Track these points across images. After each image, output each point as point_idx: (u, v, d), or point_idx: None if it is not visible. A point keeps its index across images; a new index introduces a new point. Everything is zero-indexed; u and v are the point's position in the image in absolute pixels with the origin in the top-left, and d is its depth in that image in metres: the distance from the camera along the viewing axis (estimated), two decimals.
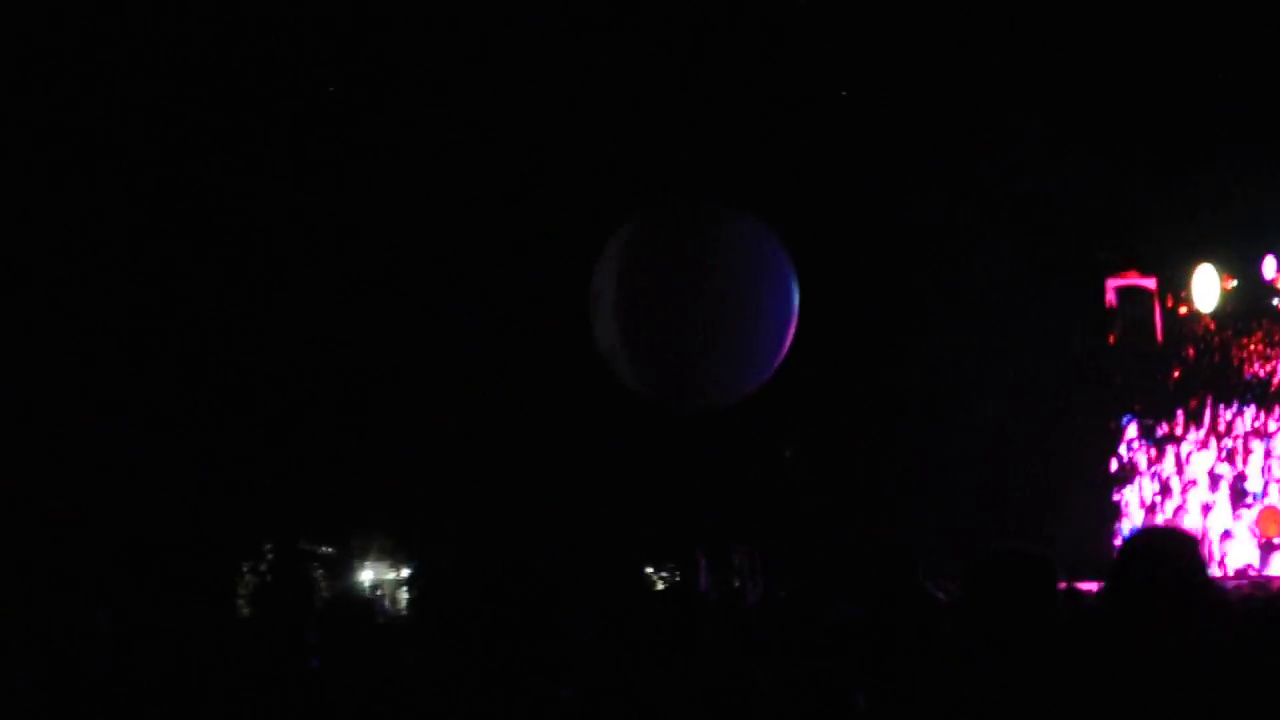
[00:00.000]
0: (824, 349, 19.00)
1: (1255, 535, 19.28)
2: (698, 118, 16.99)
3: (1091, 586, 13.87)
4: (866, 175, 18.40)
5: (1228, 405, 20.02)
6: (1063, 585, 4.54)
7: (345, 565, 18.85)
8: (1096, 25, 16.85)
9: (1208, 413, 20.29)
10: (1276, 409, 19.58)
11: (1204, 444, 20.37)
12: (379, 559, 19.89)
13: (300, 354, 17.79)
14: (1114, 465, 21.25)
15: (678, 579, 19.10)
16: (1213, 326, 20.36)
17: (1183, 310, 20.55)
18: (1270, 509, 19.45)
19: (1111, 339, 20.97)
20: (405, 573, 19.87)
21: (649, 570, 19.80)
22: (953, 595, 5.23)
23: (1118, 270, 20.67)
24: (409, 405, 18.26)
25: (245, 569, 16.83)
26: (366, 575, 19.43)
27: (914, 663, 4.32)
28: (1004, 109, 17.81)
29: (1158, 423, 20.87)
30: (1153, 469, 20.86)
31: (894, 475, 19.48)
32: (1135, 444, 21.18)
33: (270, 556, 17.60)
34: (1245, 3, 16.55)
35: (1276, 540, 19.19)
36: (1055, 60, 17.36)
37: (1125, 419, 21.25)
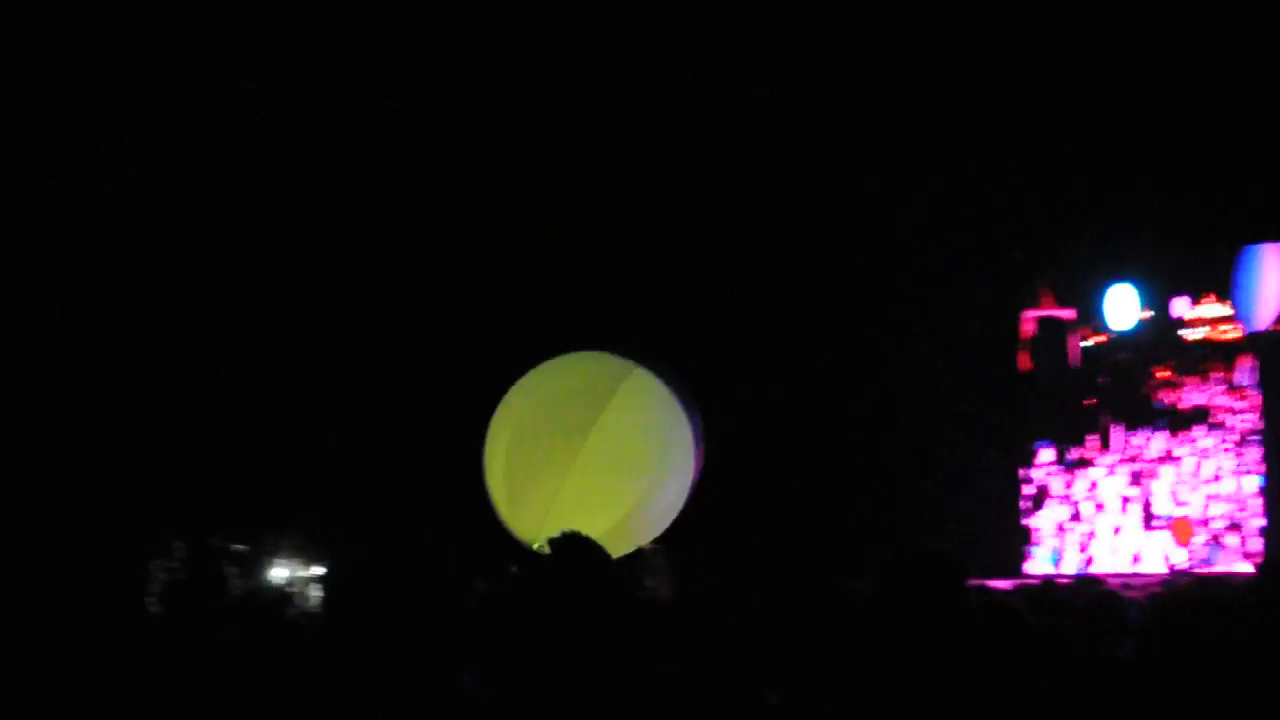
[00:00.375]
0: (743, 348, 19.10)
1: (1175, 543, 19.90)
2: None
3: (1004, 584, 14.06)
4: (787, 189, 18.55)
5: (1136, 430, 20.58)
6: (973, 583, 4.60)
7: (258, 562, 18.69)
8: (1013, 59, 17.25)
9: (1118, 439, 20.80)
10: (1183, 435, 20.17)
11: (1113, 469, 20.95)
12: (292, 556, 19.74)
13: (213, 349, 17.66)
14: (1027, 490, 21.71)
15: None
16: (1125, 356, 20.97)
17: (1096, 340, 21.11)
18: (1182, 519, 20.02)
19: (1028, 367, 21.42)
20: (318, 570, 19.73)
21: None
22: (864, 592, 5.26)
23: (1034, 301, 21.18)
24: (322, 401, 18.16)
25: (155, 566, 16.65)
26: (279, 573, 19.27)
27: (826, 659, 4.34)
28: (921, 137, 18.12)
29: (1070, 448, 21.35)
30: (1066, 493, 21.35)
31: (807, 480, 19.60)
32: (1049, 469, 21.64)
33: (180, 554, 17.42)
34: (1157, 38, 16.95)
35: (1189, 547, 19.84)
36: (976, 92, 17.70)
37: (1039, 444, 21.66)
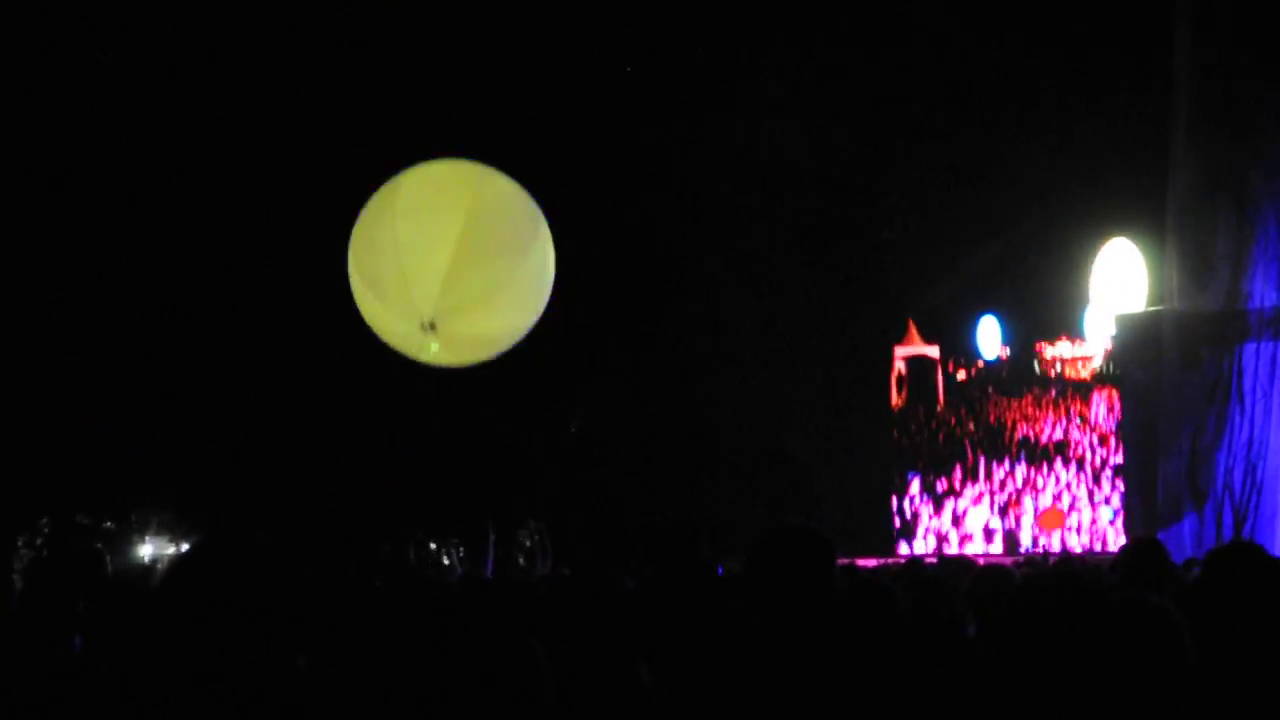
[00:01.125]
0: (615, 331, 19.20)
1: (1039, 531, 20.36)
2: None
3: (870, 563, 14.24)
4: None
5: (1000, 462, 21.14)
6: (842, 562, 4.68)
7: (124, 540, 18.47)
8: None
9: (982, 470, 21.37)
10: (1044, 466, 20.80)
11: (978, 499, 21.45)
12: (158, 533, 19.53)
13: (82, 329, 17.41)
14: (897, 520, 22.12)
15: (462, 555, 19.06)
16: (990, 390, 21.64)
17: (961, 376, 21.82)
18: (1051, 509, 20.53)
19: (897, 402, 22.06)
20: (185, 547, 19.52)
21: (433, 546, 19.73)
22: (736, 570, 5.33)
23: (902, 338, 21.87)
24: (190, 378, 17.97)
25: (20, 543, 16.41)
26: (146, 550, 19.06)
27: (698, 637, 4.39)
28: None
29: (937, 479, 21.84)
30: (931, 522, 21.80)
31: (676, 456, 19.74)
32: (917, 499, 22.08)
33: (46, 530, 17.19)
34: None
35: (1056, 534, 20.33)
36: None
37: (909, 475, 22.11)
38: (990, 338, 21.34)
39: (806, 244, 19.88)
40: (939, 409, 22.18)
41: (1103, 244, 19.75)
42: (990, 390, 22.13)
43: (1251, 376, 15.36)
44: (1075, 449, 21.05)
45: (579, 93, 18.29)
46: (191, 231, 17.71)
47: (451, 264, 8.10)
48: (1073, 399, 21.29)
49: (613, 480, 19.61)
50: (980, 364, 21.88)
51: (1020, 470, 21.33)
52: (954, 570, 8.19)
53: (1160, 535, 13.26)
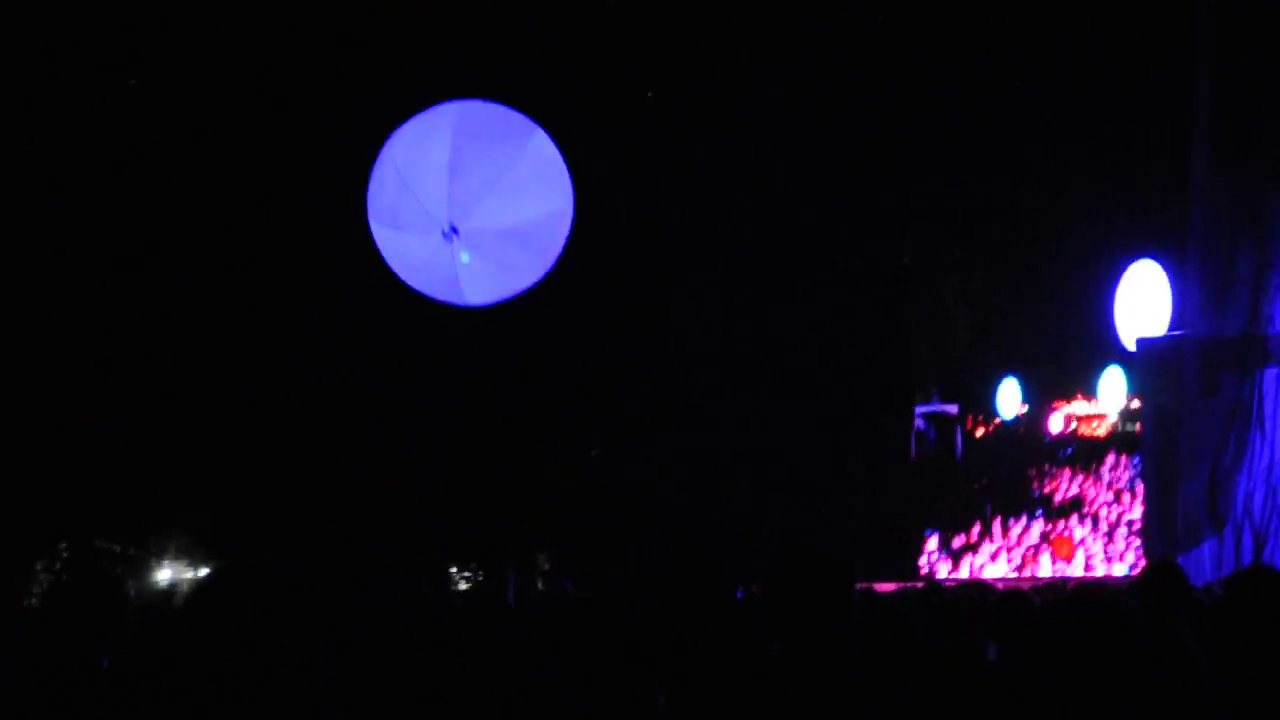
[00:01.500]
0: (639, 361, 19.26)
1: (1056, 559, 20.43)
2: None
3: (888, 587, 14.24)
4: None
5: (1016, 519, 21.21)
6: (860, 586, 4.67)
7: (144, 564, 18.51)
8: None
9: (998, 526, 21.46)
10: (1061, 523, 20.90)
11: (995, 556, 21.51)
12: (177, 558, 19.57)
13: (99, 353, 17.44)
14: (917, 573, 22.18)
15: (481, 580, 19.06)
16: (1005, 448, 21.78)
17: (979, 433, 21.96)
18: (1061, 536, 20.59)
19: (916, 458, 22.28)
20: (204, 571, 19.57)
21: (452, 570, 19.75)
22: (757, 595, 5.32)
23: (925, 397, 22.09)
24: (210, 407, 17.98)
25: (39, 567, 16.46)
26: (164, 574, 19.10)
27: (717, 661, 4.39)
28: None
29: (955, 534, 21.90)
30: (950, 576, 21.89)
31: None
32: (935, 555, 22.13)
33: (65, 555, 17.23)
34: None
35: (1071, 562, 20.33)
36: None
37: (927, 532, 22.16)
38: (1010, 399, 21.60)
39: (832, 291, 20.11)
40: (957, 465, 22.37)
41: (1127, 271, 19.84)
42: (1008, 447, 22.30)
43: (1272, 401, 15.33)
44: (1091, 505, 21.18)
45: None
46: (210, 254, 17.75)
47: (451, 156, 8.21)
48: (1088, 456, 21.45)
49: (630, 504, 19.62)
50: (998, 421, 22.08)
51: (1037, 526, 21.42)
52: (973, 595, 8.16)
53: (1179, 559, 13.22)
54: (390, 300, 17.00)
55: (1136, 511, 19.61)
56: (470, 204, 8.25)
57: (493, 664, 3.44)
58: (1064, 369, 21.70)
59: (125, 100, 17.09)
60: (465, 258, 8.29)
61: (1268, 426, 15.32)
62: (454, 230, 8.20)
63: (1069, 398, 21.57)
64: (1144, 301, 19.11)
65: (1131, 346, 18.21)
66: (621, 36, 18.05)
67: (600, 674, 4.36)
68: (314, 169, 16.13)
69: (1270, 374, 15.43)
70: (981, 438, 22.48)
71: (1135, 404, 19.95)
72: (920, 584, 12.90)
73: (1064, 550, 20.72)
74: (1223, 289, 15.64)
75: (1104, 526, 20.81)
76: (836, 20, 17.89)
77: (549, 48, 17.36)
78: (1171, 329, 17.48)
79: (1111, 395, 20.56)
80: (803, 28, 18.15)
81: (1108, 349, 20.52)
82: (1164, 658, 3.13)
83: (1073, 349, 21.26)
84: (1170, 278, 18.43)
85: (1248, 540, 15.22)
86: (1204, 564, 15.02)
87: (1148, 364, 17.11)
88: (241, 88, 17.23)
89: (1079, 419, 21.49)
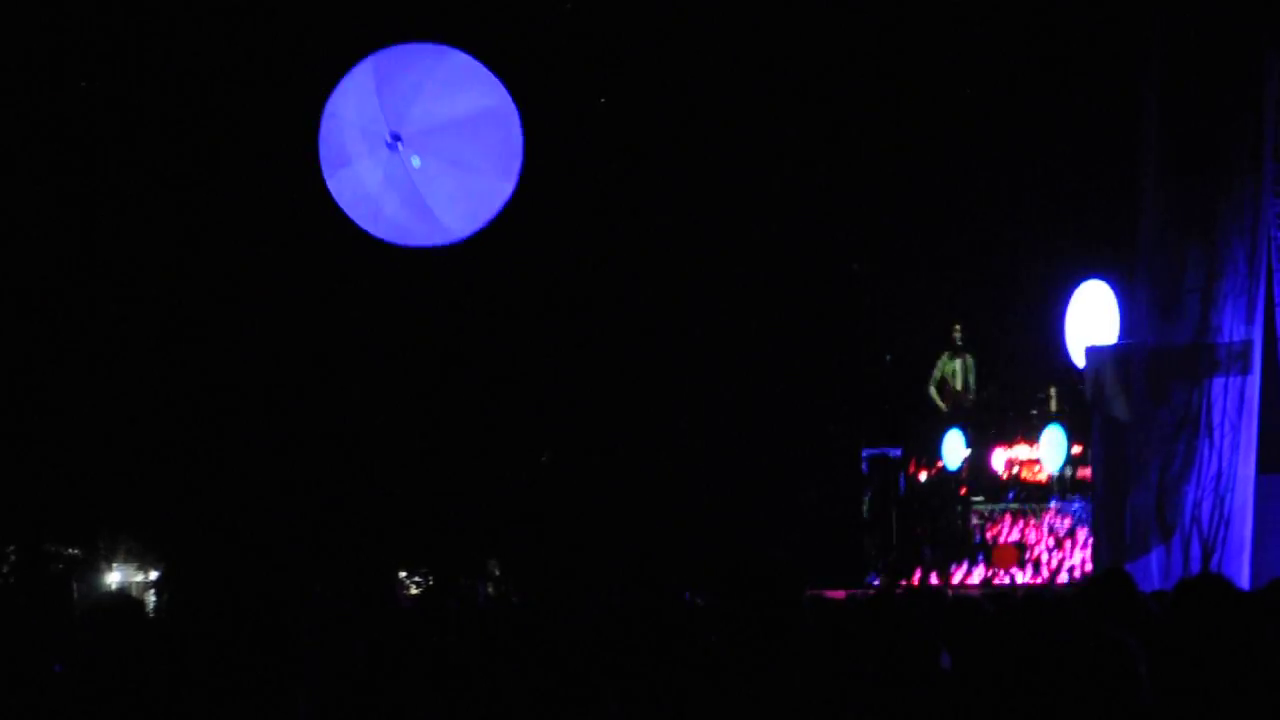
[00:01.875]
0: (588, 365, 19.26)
1: (995, 569, 20.55)
2: None
3: (838, 594, 14.28)
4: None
5: (958, 565, 21.32)
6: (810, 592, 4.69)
7: (92, 567, 18.39)
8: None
9: (939, 572, 21.58)
10: (1001, 571, 21.07)
11: None
12: (126, 561, 19.45)
13: (43, 353, 17.34)
14: None
15: (431, 586, 19.00)
16: (963, 492, 21.88)
17: (922, 476, 22.13)
18: (1006, 546, 20.66)
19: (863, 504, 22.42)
20: (153, 575, 19.46)
21: (402, 575, 19.70)
22: (706, 600, 5.34)
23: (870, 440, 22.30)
24: (157, 408, 17.89)
25: None
26: (113, 577, 18.98)
27: (668, 665, 4.39)
28: None
29: (897, 580, 21.95)
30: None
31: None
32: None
33: (12, 558, 17.11)
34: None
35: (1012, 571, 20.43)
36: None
37: (870, 577, 22.20)
38: (955, 448, 21.77)
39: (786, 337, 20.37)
40: (898, 507, 22.48)
41: (1076, 291, 20.01)
42: (948, 491, 22.39)
43: (1220, 410, 15.43)
44: (1032, 551, 21.31)
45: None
46: (154, 254, 17.67)
47: (376, 78, 8.45)
48: (1029, 501, 21.57)
49: (581, 511, 19.62)
50: (940, 464, 22.19)
51: (978, 571, 21.50)
52: (924, 601, 8.19)
53: (1128, 567, 13.30)
54: (343, 301, 16.99)
55: (1078, 558, 19.78)
56: (403, 108, 8.47)
57: (446, 669, 3.44)
58: (1010, 396, 21.85)
59: (68, 73, 17.03)
60: (416, 161, 8.44)
61: (1215, 435, 15.41)
62: (396, 137, 8.37)
63: (1010, 442, 21.68)
64: (1094, 320, 19.30)
65: (1082, 364, 18.35)
66: (576, 41, 18.08)
67: (550, 680, 4.37)
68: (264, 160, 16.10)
69: (1218, 383, 15.53)
70: (923, 482, 22.63)
71: (1076, 449, 20.14)
72: (871, 591, 12.91)
73: (1006, 559, 20.77)
74: (1172, 298, 15.75)
75: (1044, 573, 20.91)
76: (787, 37, 17.99)
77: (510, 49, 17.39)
78: (1121, 339, 17.62)
79: (1051, 456, 20.75)
80: (751, 38, 18.28)
81: (1054, 374, 20.70)
82: (1107, 665, 3.16)
83: (1020, 377, 21.51)
84: (1117, 291, 18.59)
85: (1196, 549, 15.32)
86: (1151, 572, 15.12)
87: (1097, 373, 17.23)
88: (194, 71, 17.18)
89: (1020, 464, 21.60)
